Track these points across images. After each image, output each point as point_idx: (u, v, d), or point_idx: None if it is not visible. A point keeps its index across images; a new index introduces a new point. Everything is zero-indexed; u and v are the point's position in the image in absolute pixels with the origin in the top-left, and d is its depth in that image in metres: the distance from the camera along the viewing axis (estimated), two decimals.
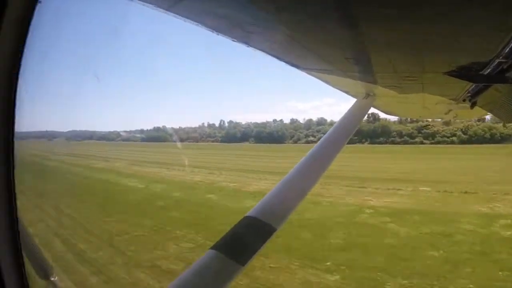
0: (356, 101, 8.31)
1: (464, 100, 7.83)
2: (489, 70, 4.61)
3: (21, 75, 1.97)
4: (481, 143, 78.77)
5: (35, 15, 1.94)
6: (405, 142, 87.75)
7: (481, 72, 4.66)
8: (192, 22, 3.73)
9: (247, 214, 5.46)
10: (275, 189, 6.09)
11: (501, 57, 4.07)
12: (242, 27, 3.98)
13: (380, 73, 5.89)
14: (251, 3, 3.14)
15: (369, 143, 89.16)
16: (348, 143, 7.74)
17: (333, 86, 8.42)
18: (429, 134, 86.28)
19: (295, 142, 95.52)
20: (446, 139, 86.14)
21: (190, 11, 3.60)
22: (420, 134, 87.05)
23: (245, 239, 5.11)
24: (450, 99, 8.08)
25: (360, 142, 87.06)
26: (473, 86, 6.25)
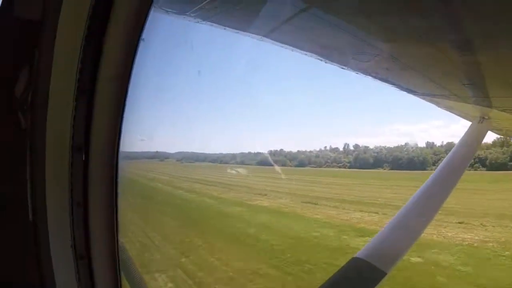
0: (471, 126, 7.89)
1: None
2: None
3: (129, 97, 2.07)
4: None
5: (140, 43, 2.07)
6: None
7: None
8: (292, 48, 3.96)
9: (356, 255, 5.29)
10: (387, 228, 5.80)
11: None
12: (350, 55, 4.14)
13: (497, 97, 5.62)
14: (363, 31, 3.30)
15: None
16: None
17: (445, 109, 8.11)
18: None
19: None
20: None
21: (293, 39, 3.84)
22: None
23: (352, 283, 4.97)
24: None
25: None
26: None
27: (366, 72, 4.89)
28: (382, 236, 5.69)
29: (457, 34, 3.19)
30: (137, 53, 1.96)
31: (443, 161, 7.23)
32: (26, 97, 1.79)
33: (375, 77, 5.18)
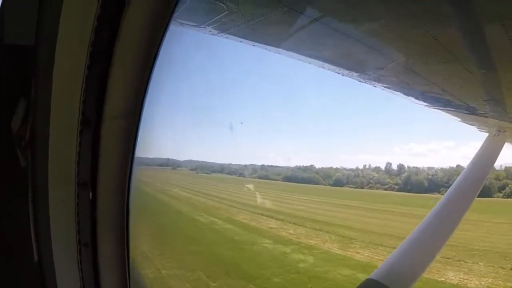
0: (487, 138, 7.72)
1: None
2: None
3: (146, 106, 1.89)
4: None
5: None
6: None
7: None
8: (311, 61, 3.85)
9: (370, 276, 5.12)
10: (400, 250, 5.54)
11: None
12: (370, 68, 4.03)
13: None
14: (383, 44, 3.19)
15: None
16: None
17: (462, 121, 7.95)
18: None
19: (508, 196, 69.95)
20: None
21: (313, 52, 3.73)
22: None
23: None
24: None
25: None
26: None
27: (385, 85, 4.81)
28: (396, 257, 5.50)
29: (478, 50, 3.09)
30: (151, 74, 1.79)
31: (459, 176, 7.04)
32: (24, 132, 1.63)
33: (394, 91, 5.10)
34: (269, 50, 3.72)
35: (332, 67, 4.08)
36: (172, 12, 1.58)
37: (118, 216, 1.92)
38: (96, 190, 1.81)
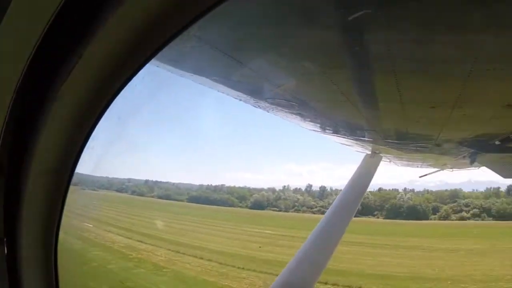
0: (365, 158, 8.49)
1: (464, 157, 8.21)
2: (496, 141, 4.98)
3: None
4: None
5: None
6: None
7: (490, 142, 5.02)
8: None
9: None
10: (291, 264, 5.90)
11: (508, 133, 4.49)
12: (259, 96, 4.23)
13: (392, 141, 6.14)
14: (273, 77, 3.37)
15: None
16: None
17: (341, 143, 8.63)
18: None
19: (444, 218, 67.63)
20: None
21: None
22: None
23: None
24: (452, 157, 8.37)
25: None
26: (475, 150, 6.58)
27: (280, 112, 5.02)
28: (289, 272, 5.77)
29: (364, 89, 3.44)
30: None
31: (340, 193, 7.63)
32: None
33: (288, 118, 5.34)
34: (171, 72, 3.68)
35: (236, 93, 4.18)
36: None
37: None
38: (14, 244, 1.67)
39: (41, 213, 1.68)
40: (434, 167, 15.84)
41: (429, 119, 4.30)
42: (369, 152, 8.40)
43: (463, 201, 70.72)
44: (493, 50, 2.32)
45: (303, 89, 3.73)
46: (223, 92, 4.33)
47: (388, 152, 8.47)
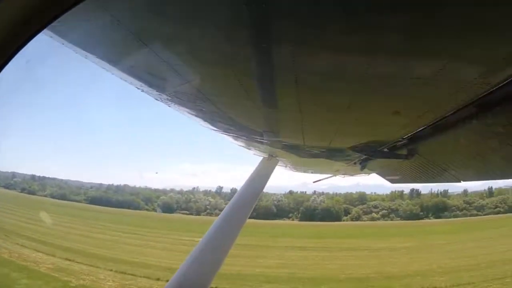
0: (262, 161, 8.66)
1: (355, 163, 8.77)
2: (384, 147, 5.36)
3: None
4: None
5: None
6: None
7: (379, 149, 5.38)
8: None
9: None
10: (185, 265, 5.89)
11: (396, 139, 4.84)
12: (165, 88, 4.07)
13: (288, 144, 6.32)
14: (178, 69, 3.26)
15: None
16: None
17: (239, 145, 8.71)
18: None
19: (356, 219, 75.46)
20: None
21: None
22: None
23: None
24: (344, 163, 8.86)
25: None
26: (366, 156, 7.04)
27: (180, 107, 4.88)
28: (183, 273, 5.71)
29: (266, 89, 3.46)
30: None
31: (236, 194, 7.71)
32: None
33: (187, 113, 5.22)
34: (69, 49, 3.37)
35: (135, 81, 3.96)
36: None
37: None
38: None
39: None
40: (327, 173, 16.74)
41: (323, 124, 4.47)
42: (266, 156, 8.59)
43: (371, 203, 78.86)
44: (382, 55, 2.43)
45: (205, 83, 3.64)
46: (125, 80, 4.07)
47: (284, 157, 8.72)
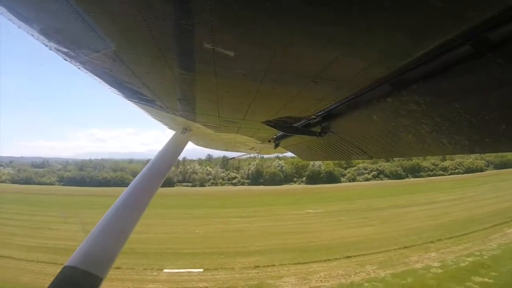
0: (175, 135, 8.46)
1: (269, 141, 8.86)
2: (298, 124, 5.40)
3: None
4: None
5: None
6: None
7: (293, 125, 5.41)
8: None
9: (66, 264, 4.96)
10: (93, 233, 5.65)
11: (309, 116, 4.88)
12: (76, 46, 3.70)
13: (203, 114, 6.16)
14: (92, 25, 2.97)
15: None
16: None
17: (152, 117, 8.42)
18: None
19: (352, 180, 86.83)
20: None
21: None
22: None
23: None
24: (259, 140, 8.93)
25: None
26: (280, 133, 7.11)
27: (88, 69, 4.49)
28: (91, 242, 5.52)
29: (184, 51, 3.26)
30: None
31: (147, 165, 7.51)
32: None
33: (95, 75, 4.83)
34: None
35: (41, 36, 3.53)
36: None
37: None
38: None
39: None
40: (242, 151, 16.87)
41: (238, 94, 4.35)
42: (180, 129, 8.42)
43: (361, 165, 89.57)
44: (298, 25, 2.35)
45: (119, 43, 3.35)
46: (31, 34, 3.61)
47: (198, 131, 8.59)
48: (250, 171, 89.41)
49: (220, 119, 6.10)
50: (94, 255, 5.33)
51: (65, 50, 3.85)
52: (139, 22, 2.68)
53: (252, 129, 6.91)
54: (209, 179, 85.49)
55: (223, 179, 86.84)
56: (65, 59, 4.14)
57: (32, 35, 3.48)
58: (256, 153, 17.18)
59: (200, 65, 3.44)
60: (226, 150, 18.38)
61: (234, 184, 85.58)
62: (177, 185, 79.93)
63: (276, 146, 8.96)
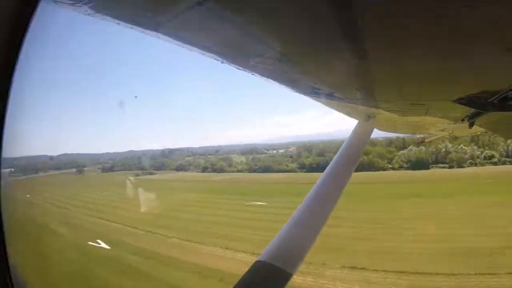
0: (358, 125, 8.25)
1: (462, 120, 7.91)
2: (494, 99, 4.64)
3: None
4: None
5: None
6: None
7: (490, 100, 4.68)
8: (189, 46, 3.58)
9: (258, 258, 5.19)
10: (285, 230, 5.77)
11: (507, 88, 4.14)
12: (248, 57, 3.88)
13: (385, 100, 5.83)
14: (248, 27, 3.04)
15: None
16: None
17: (330, 107, 8.36)
18: None
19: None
20: None
21: (189, 35, 3.47)
22: None
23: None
24: (450, 120, 8.09)
25: None
26: (474, 110, 6.26)
27: (262, 73, 4.70)
28: (282, 237, 5.69)
29: (351, 42, 3.09)
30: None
31: (337, 155, 7.46)
32: None
33: (270, 79, 5.02)
34: (146, 34, 3.35)
35: (212, 54, 3.83)
36: None
37: None
38: None
39: None
40: (431, 133, 15.62)
41: (424, 74, 3.93)
42: (362, 118, 8.16)
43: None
44: None
45: (291, 46, 3.39)
46: (202, 54, 3.96)
47: (382, 117, 8.20)
48: (510, 148, 77.29)
49: (406, 103, 5.67)
50: (286, 249, 5.44)
51: (239, 61, 4.08)
52: (312, 29, 2.65)
53: (442, 109, 6.26)
54: (467, 159, 78.12)
55: (479, 158, 77.77)
56: (239, 69, 4.38)
57: (203, 54, 3.76)
58: (448, 134, 15.72)
59: (379, 52, 3.22)
60: (413, 134, 17.30)
61: (495, 164, 75.58)
62: (432, 167, 75.89)
63: (471, 125, 7.94)
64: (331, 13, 2.58)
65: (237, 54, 3.90)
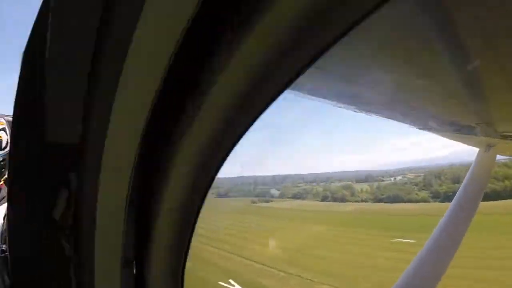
0: (478, 155, 7.86)
1: None
2: None
3: None
4: None
5: None
6: None
7: None
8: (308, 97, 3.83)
9: None
10: (406, 274, 5.64)
11: None
12: (363, 100, 4.06)
13: (508, 131, 5.62)
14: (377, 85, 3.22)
15: None
16: None
17: (443, 137, 8.10)
18: None
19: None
20: None
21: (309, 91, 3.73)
22: None
23: None
24: None
25: None
26: None
27: (373, 112, 4.86)
28: (403, 282, 5.56)
29: (467, 73, 3.16)
30: None
31: (460, 188, 7.15)
32: (66, 221, 1.61)
33: (387, 118, 5.14)
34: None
35: (332, 102, 4.09)
36: None
37: None
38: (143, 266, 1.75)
39: (169, 242, 1.69)
40: None
41: None
42: (482, 148, 7.76)
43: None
44: None
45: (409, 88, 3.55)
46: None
47: (504, 145, 7.75)
48: None
49: None
50: None
51: (353, 106, 4.29)
52: (425, 68, 2.79)
53: None
54: None
55: None
56: (355, 111, 4.57)
57: (333, 105, 4.03)
58: None
59: (495, 91, 3.27)
60: None
61: None
62: None
63: None
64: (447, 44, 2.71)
65: (353, 100, 4.12)
